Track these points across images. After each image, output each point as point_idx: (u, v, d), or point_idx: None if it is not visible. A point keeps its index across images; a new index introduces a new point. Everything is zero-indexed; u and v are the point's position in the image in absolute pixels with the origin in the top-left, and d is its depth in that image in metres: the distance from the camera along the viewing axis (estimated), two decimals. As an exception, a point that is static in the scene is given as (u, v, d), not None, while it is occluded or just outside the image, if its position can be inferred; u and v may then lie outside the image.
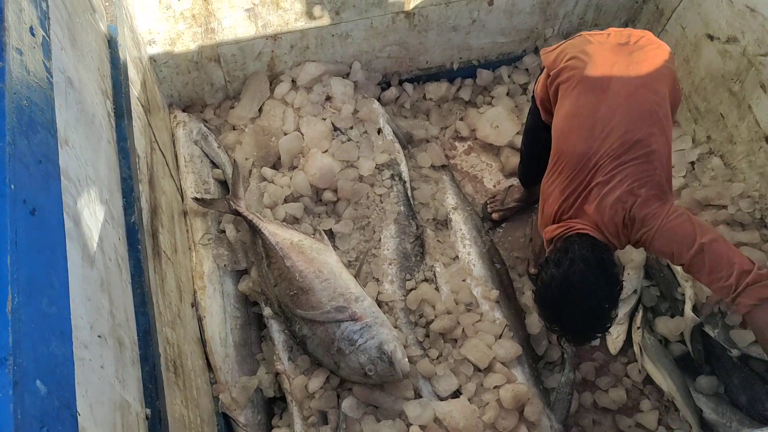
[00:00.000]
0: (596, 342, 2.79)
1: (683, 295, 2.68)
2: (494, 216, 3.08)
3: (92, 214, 1.60)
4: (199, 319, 2.64)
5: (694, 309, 2.62)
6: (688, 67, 3.05)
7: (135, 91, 2.42)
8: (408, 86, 3.44)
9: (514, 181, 3.21)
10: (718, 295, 2.15)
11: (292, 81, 3.19)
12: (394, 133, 3.18)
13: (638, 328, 2.70)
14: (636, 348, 2.69)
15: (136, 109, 2.34)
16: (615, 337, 2.76)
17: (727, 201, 2.76)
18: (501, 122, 3.24)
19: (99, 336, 1.44)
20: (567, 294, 1.98)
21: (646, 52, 2.17)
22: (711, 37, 2.89)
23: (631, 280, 2.78)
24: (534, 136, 2.56)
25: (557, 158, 2.16)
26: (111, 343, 1.51)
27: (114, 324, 1.57)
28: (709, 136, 3.01)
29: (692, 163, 3.02)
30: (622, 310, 2.75)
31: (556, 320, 2.09)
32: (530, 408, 2.41)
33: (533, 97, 2.47)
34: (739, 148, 2.83)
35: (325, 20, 3.02)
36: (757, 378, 2.50)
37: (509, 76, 3.48)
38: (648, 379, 2.67)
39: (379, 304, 2.66)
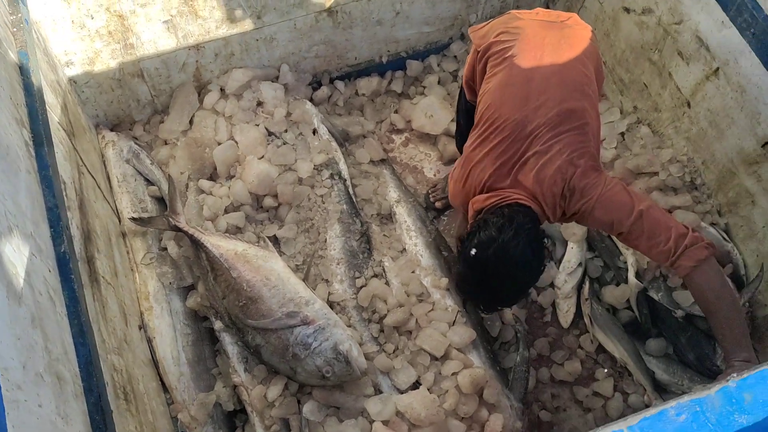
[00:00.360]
0: (548, 318, 2.84)
1: (625, 263, 2.75)
2: (437, 204, 3.09)
3: (15, 250, 1.54)
4: (149, 341, 2.59)
5: (637, 275, 2.69)
6: (609, 41, 3.12)
7: (55, 116, 2.34)
8: (339, 84, 3.42)
9: (454, 167, 3.24)
10: (656, 261, 2.21)
11: (221, 89, 3.14)
12: (329, 132, 3.16)
13: (586, 299, 2.76)
14: (586, 319, 2.75)
15: (58, 135, 2.26)
16: (565, 311, 2.81)
17: (658, 167, 2.83)
18: (435, 111, 3.26)
19: (35, 374, 1.39)
20: (501, 263, 1.93)
21: (574, 30, 2.22)
22: (627, 10, 2.96)
23: (576, 254, 2.84)
24: (468, 117, 2.55)
25: (487, 126, 2.12)
26: (49, 379, 1.46)
27: (51, 359, 1.52)
28: (635, 106, 3.09)
29: (622, 133, 3.08)
30: (570, 284, 2.80)
31: (475, 283, 2.03)
32: (489, 390, 2.44)
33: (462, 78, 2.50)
34: (665, 115, 2.91)
35: (248, 25, 2.98)
36: (702, 335, 2.59)
37: (438, 65, 3.49)
38: (600, 348, 2.74)
39: (331, 304, 2.65)
